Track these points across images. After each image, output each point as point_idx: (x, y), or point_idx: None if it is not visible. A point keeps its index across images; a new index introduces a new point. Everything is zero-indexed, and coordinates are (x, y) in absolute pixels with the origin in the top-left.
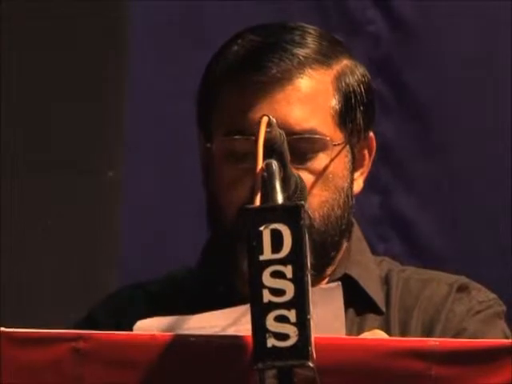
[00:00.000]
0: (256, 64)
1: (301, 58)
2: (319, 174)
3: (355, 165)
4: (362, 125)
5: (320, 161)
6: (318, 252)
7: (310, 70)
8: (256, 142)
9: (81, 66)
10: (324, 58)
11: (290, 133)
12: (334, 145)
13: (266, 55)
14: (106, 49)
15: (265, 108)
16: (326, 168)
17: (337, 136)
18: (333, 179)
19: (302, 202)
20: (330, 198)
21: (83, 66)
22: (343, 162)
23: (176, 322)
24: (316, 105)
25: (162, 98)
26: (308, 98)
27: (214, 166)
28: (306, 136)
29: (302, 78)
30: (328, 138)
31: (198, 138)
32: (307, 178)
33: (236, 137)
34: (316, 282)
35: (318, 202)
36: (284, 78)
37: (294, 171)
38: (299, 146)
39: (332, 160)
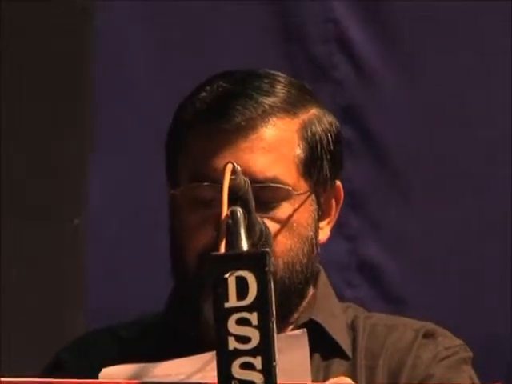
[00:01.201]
0: (221, 112)
1: (266, 106)
2: (283, 223)
3: (321, 214)
4: (329, 174)
5: (283, 210)
6: (281, 300)
7: (274, 119)
8: (221, 188)
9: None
10: (291, 106)
11: (253, 181)
12: (298, 194)
13: (231, 103)
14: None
15: (228, 156)
16: (289, 217)
17: (301, 185)
18: (297, 228)
19: (267, 249)
20: (294, 247)
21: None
22: (308, 210)
23: (142, 369)
24: (279, 154)
25: (128, 145)
26: (271, 146)
27: (177, 211)
28: (269, 185)
29: (266, 126)
30: (290, 188)
31: (166, 184)
32: (271, 226)
33: (200, 183)
34: (281, 328)
35: (282, 250)
36: (248, 127)
37: (259, 218)
38: (262, 195)
39: (295, 210)
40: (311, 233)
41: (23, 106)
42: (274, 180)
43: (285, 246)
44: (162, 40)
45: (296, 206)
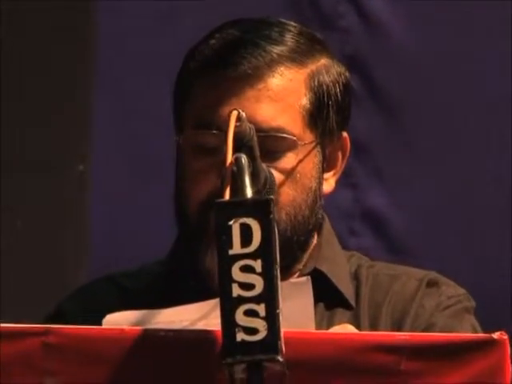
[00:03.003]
0: (228, 60)
1: (274, 55)
2: (286, 174)
3: (327, 165)
4: (335, 125)
5: (287, 160)
6: (282, 251)
7: (282, 68)
8: (226, 135)
9: (49, 64)
10: (299, 56)
11: (258, 130)
12: (302, 144)
13: (238, 51)
14: (74, 47)
15: (233, 104)
16: (293, 168)
17: (306, 136)
18: (300, 179)
19: (272, 197)
20: (297, 198)
21: (51, 65)
22: (312, 162)
23: (145, 316)
24: (285, 103)
25: (130, 95)
26: (278, 96)
27: (181, 158)
28: (273, 134)
29: (273, 75)
30: (295, 138)
31: (173, 132)
32: (275, 176)
33: (204, 130)
34: (285, 277)
35: (286, 201)
36: (254, 75)
37: (264, 166)
38: (266, 145)
39: (300, 160)
40: (315, 184)
41: (23, 61)
42: (279, 130)
43: (288, 197)
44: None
45: (300, 156)
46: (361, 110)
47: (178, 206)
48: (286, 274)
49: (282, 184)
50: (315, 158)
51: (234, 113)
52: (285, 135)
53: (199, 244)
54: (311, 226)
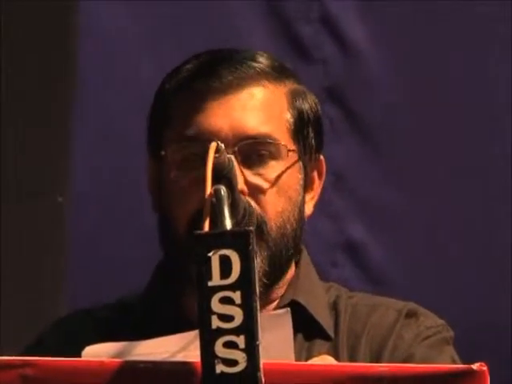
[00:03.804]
0: (212, 72)
1: (257, 69)
2: (274, 181)
3: (306, 186)
4: (314, 144)
5: (275, 167)
6: (272, 261)
7: (265, 81)
8: (205, 167)
9: (25, 94)
10: (278, 74)
11: (246, 137)
12: (289, 151)
13: (222, 65)
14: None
15: (220, 114)
16: (280, 175)
17: (291, 147)
18: (288, 190)
19: (251, 228)
20: (285, 210)
21: (28, 95)
22: (296, 176)
23: (125, 347)
24: (272, 113)
25: (111, 120)
26: (264, 105)
27: (165, 176)
28: (262, 140)
29: (257, 86)
30: (283, 143)
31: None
32: (262, 184)
33: (190, 143)
34: (266, 302)
35: (275, 212)
36: (240, 85)
37: (243, 197)
38: (254, 151)
39: (288, 168)
40: (300, 198)
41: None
42: (267, 136)
43: (276, 208)
44: (146, 16)
45: (288, 164)
46: (340, 140)
47: (164, 225)
48: (267, 296)
49: (270, 194)
50: (298, 174)
51: (213, 144)
52: (273, 141)
53: (188, 259)
54: (297, 241)
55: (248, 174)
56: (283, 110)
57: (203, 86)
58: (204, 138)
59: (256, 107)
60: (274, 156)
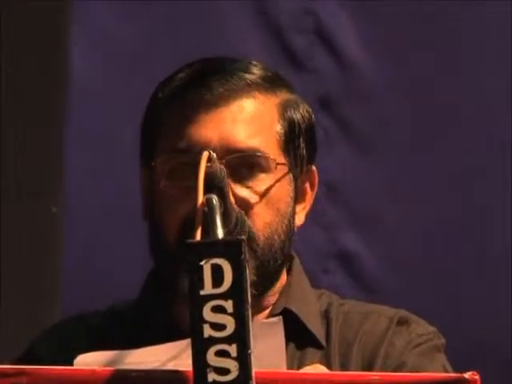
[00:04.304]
0: (203, 83)
1: (248, 81)
2: (262, 194)
3: (297, 198)
4: (306, 156)
5: (264, 181)
6: (260, 271)
7: (256, 93)
8: (196, 176)
9: (22, 104)
10: (270, 85)
11: (235, 150)
12: (278, 164)
13: (213, 76)
14: (46, 81)
15: (210, 126)
16: (269, 188)
17: (281, 160)
18: (276, 202)
19: (243, 237)
20: (273, 221)
21: (23, 105)
22: (286, 189)
23: (116, 356)
24: (261, 126)
25: (105, 130)
26: (254, 118)
27: (155, 186)
28: (251, 154)
29: (248, 98)
30: (272, 157)
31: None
32: (250, 197)
33: (180, 154)
34: (257, 310)
35: (262, 224)
36: (231, 97)
37: (235, 206)
38: (243, 164)
39: (277, 181)
40: (289, 210)
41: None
42: (256, 149)
43: (264, 220)
44: (139, 23)
45: (277, 177)
46: (333, 150)
47: (155, 232)
48: (257, 304)
49: (258, 206)
50: (288, 186)
51: (205, 154)
52: (262, 154)
53: (178, 267)
54: (286, 252)
55: (236, 186)
56: (273, 121)
57: (194, 97)
58: (194, 151)
59: (246, 120)
60: (263, 169)
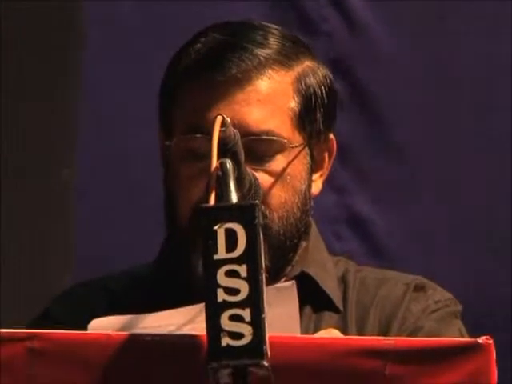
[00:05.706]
0: (216, 64)
1: (261, 58)
2: (277, 176)
3: (314, 167)
4: (322, 127)
5: (277, 162)
6: (275, 254)
7: (270, 71)
8: (210, 141)
9: (31, 66)
10: (285, 58)
11: (248, 134)
12: (292, 147)
13: (226, 55)
14: (59, 50)
15: (223, 108)
16: (283, 170)
17: (295, 138)
18: (291, 181)
19: (257, 201)
20: (288, 200)
21: (34, 67)
22: (302, 163)
23: (131, 321)
24: (275, 106)
25: (115, 98)
26: (267, 99)
27: (171, 163)
28: (264, 137)
29: (261, 78)
30: (285, 140)
31: (158, 134)
32: (265, 179)
33: (194, 135)
34: (273, 281)
35: (277, 204)
36: (243, 79)
37: (249, 170)
38: (257, 148)
39: (290, 162)
40: (305, 186)
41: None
42: (269, 133)
43: (279, 200)
44: None
45: (290, 158)
46: (345, 114)
47: (168, 211)
48: (276, 277)
49: (272, 187)
50: (304, 160)
51: (219, 118)
52: (275, 138)
53: (190, 251)
54: (302, 228)
55: (250, 169)
56: (288, 99)
57: (208, 78)
58: (207, 132)
59: (260, 101)
60: (277, 151)
